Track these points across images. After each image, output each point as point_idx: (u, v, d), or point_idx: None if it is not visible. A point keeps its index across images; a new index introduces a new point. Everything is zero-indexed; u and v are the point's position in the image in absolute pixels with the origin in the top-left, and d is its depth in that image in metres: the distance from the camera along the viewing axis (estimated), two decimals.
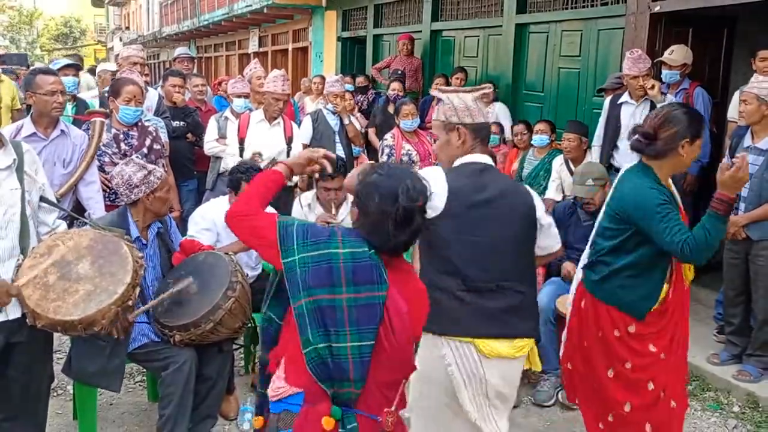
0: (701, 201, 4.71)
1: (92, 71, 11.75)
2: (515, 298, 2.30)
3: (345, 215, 3.77)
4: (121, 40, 29.20)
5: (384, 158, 5.22)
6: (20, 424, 2.66)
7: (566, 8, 6.16)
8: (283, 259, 1.84)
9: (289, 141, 4.93)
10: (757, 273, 3.77)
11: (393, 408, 1.93)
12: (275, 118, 4.88)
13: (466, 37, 7.62)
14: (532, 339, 2.36)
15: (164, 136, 4.57)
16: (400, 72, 7.20)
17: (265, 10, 11.83)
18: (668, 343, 2.59)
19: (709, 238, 2.35)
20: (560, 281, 3.87)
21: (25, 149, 2.58)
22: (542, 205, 2.45)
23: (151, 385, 3.57)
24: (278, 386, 1.88)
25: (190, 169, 5.45)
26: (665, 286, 2.57)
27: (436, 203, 2.21)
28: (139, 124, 4.10)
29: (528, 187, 2.51)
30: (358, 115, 6.69)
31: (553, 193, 4.94)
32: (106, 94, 4.44)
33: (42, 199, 2.62)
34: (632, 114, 4.62)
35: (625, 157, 4.52)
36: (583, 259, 2.77)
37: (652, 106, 4.42)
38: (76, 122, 4.22)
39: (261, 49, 14.57)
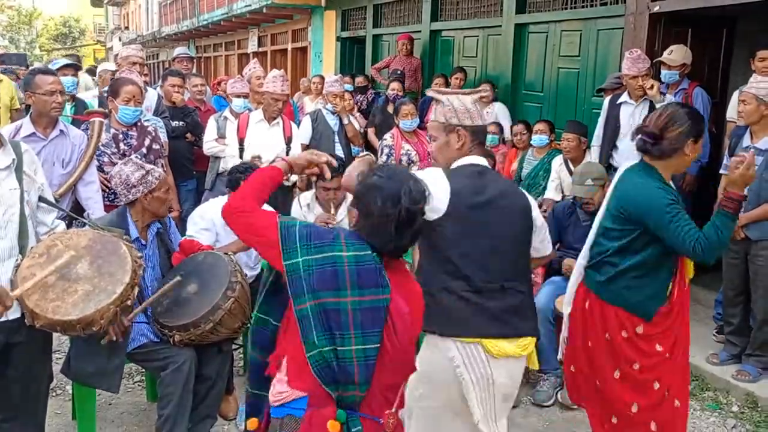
0: (700, 201, 4.72)
1: (91, 71, 11.76)
2: (517, 298, 2.31)
3: (344, 215, 3.77)
4: (120, 40, 29.19)
5: (383, 158, 5.22)
6: (19, 425, 2.65)
7: (565, 8, 6.17)
8: (285, 261, 1.83)
9: (288, 141, 4.93)
10: (757, 273, 3.77)
11: (394, 409, 1.93)
12: (274, 118, 4.88)
13: (465, 37, 7.62)
14: (534, 338, 2.36)
15: (163, 136, 4.57)
16: (399, 72, 7.20)
17: (264, 10, 11.83)
18: (673, 342, 2.60)
19: (721, 236, 2.36)
20: (559, 281, 3.87)
21: (24, 149, 2.58)
22: (537, 207, 2.47)
23: (150, 385, 3.57)
24: (280, 390, 1.86)
25: (189, 169, 5.45)
26: (670, 286, 2.57)
27: (439, 205, 2.21)
28: (138, 124, 4.10)
29: (522, 189, 2.54)
30: (358, 115, 6.69)
31: (552, 193, 4.94)
32: (105, 94, 4.44)
33: (41, 199, 2.62)
34: (631, 114, 4.63)
35: (625, 157, 4.53)
36: (581, 258, 2.77)
37: (652, 106, 4.42)
38: (75, 122, 4.22)
39: (260, 49, 14.57)
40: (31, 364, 2.63)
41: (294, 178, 4.49)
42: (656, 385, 2.57)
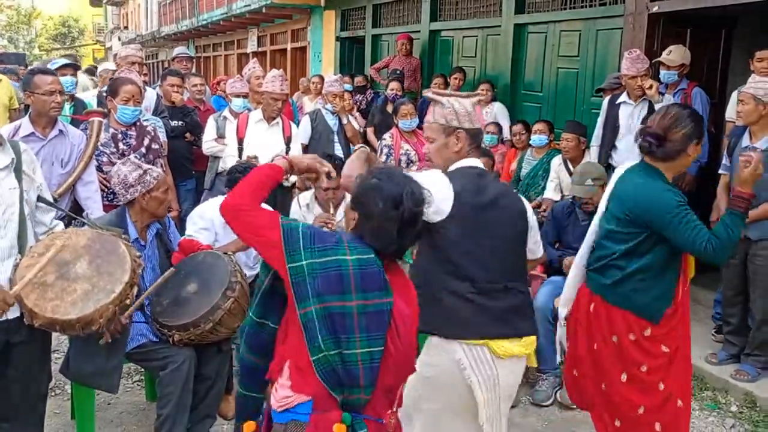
0: (699, 201, 4.72)
1: (90, 71, 11.75)
2: (518, 298, 2.33)
3: (343, 215, 3.77)
4: (119, 39, 29.17)
5: (383, 158, 5.22)
6: (18, 424, 2.65)
7: (565, 8, 6.17)
8: (289, 264, 1.81)
9: (287, 141, 4.93)
10: (756, 273, 3.77)
11: (394, 409, 1.93)
12: (274, 118, 4.88)
13: (464, 37, 7.62)
14: (535, 336, 2.37)
15: (162, 136, 4.57)
16: (398, 72, 7.20)
17: (263, 10, 11.83)
18: (678, 342, 2.60)
19: (732, 235, 2.37)
20: (559, 281, 3.86)
21: (23, 149, 2.58)
22: (531, 209, 2.50)
23: (149, 385, 3.57)
24: (284, 395, 1.84)
25: (189, 169, 5.45)
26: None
27: (443, 206, 2.21)
28: (138, 123, 4.10)
29: (515, 191, 2.57)
30: (357, 114, 6.69)
31: (551, 192, 4.95)
32: (105, 94, 4.44)
33: (39, 198, 2.62)
34: (630, 114, 4.63)
35: (624, 157, 4.54)
36: (579, 259, 2.76)
37: (650, 107, 4.43)
38: (74, 122, 4.22)
39: (260, 49, 14.57)
40: (30, 364, 2.63)
41: (293, 178, 4.49)
42: (661, 386, 2.57)
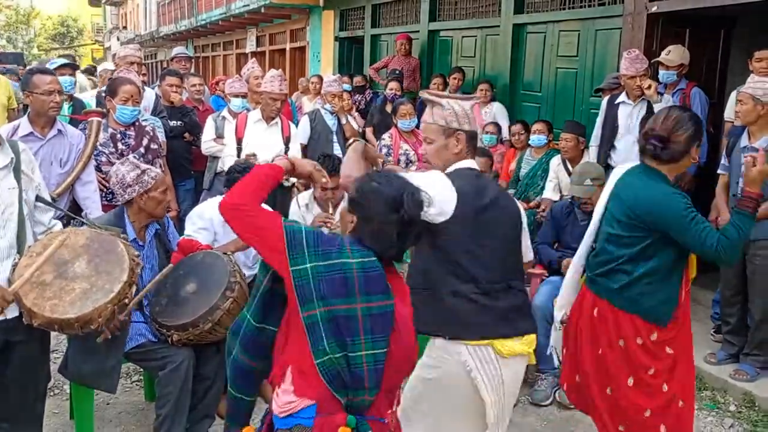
0: (697, 201, 4.72)
1: (88, 71, 11.74)
2: (519, 297, 2.35)
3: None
4: (118, 39, 29.19)
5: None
6: (17, 424, 2.65)
7: (564, 8, 6.17)
8: (293, 267, 1.80)
9: (286, 141, 4.93)
10: (754, 272, 3.78)
11: (394, 408, 1.94)
12: (273, 118, 4.88)
13: (463, 37, 7.62)
14: (535, 334, 2.39)
15: (161, 136, 4.57)
16: (397, 72, 7.20)
17: (262, 10, 11.83)
18: (681, 343, 2.60)
19: (742, 234, 2.38)
20: (558, 281, 3.86)
21: (22, 148, 2.58)
22: (524, 211, 2.53)
23: (148, 385, 3.56)
24: (287, 401, 1.83)
25: (188, 169, 5.44)
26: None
27: (447, 207, 2.21)
28: (136, 123, 4.10)
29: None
30: (356, 114, 6.69)
31: (550, 192, 4.95)
32: (104, 94, 4.44)
33: (38, 198, 2.62)
34: (629, 114, 4.63)
35: (623, 157, 4.54)
36: (577, 259, 2.75)
37: (649, 107, 4.43)
38: (73, 122, 4.22)
39: (258, 49, 14.57)
40: (29, 364, 2.63)
41: (294, 178, 4.49)
42: (665, 387, 2.56)
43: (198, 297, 2.87)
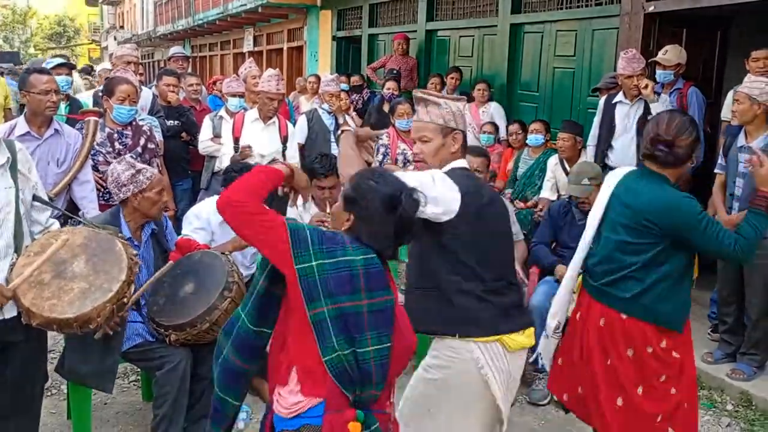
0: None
1: (85, 71, 11.73)
2: (518, 293, 2.40)
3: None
4: (115, 39, 29.12)
5: (380, 158, 5.22)
6: (14, 424, 2.64)
7: (561, 8, 6.18)
8: (297, 265, 1.80)
9: (284, 140, 4.93)
10: (751, 272, 3.78)
11: (392, 400, 1.97)
12: (270, 118, 4.87)
13: (461, 36, 7.63)
14: (533, 327, 2.41)
15: (158, 136, 4.56)
16: (395, 71, 7.20)
17: (259, 10, 11.82)
18: (685, 345, 2.60)
19: (758, 233, 2.40)
20: (553, 281, 3.88)
21: (18, 148, 2.57)
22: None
23: (146, 385, 3.56)
24: (294, 401, 1.83)
25: (185, 169, 5.44)
26: None
27: (452, 206, 2.21)
28: (134, 123, 4.09)
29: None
30: (354, 114, 6.69)
31: (548, 192, 4.96)
32: (100, 93, 4.43)
33: (35, 197, 2.61)
34: (627, 114, 4.64)
35: (620, 157, 4.55)
36: (574, 264, 2.72)
37: (646, 106, 4.44)
38: (70, 121, 4.21)
39: (256, 49, 14.55)
40: (27, 364, 2.62)
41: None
42: (673, 391, 2.56)
43: (196, 297, 2.87)
